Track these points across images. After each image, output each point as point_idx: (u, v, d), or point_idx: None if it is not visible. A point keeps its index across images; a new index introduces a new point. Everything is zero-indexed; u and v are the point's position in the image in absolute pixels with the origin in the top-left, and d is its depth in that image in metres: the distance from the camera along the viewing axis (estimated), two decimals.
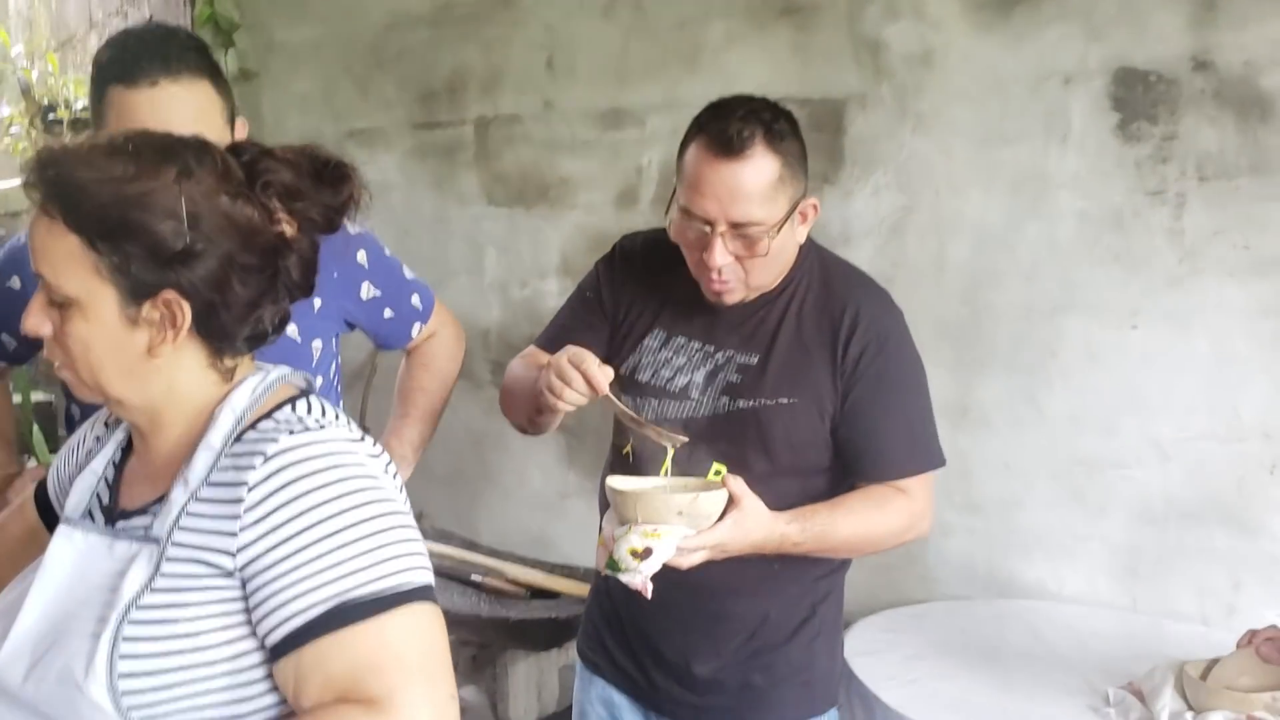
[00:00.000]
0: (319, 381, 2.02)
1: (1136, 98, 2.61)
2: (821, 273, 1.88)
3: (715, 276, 1.76)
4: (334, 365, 2.06)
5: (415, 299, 2.11)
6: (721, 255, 1.73)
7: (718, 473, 1.69)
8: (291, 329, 1.92)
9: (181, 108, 1.66)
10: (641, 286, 1.93)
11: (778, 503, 1.71)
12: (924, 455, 1.85)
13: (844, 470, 1.84)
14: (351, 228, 2.02)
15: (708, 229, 1.73)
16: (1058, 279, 2.74)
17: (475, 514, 3.69)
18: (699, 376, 1.85)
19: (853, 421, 1.81)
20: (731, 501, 1.64)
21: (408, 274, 2.11)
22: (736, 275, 1.77)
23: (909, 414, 1.84)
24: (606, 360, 1.95)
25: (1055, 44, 2.69)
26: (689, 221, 1.75)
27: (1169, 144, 2.59)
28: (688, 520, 1.60)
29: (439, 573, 2.85)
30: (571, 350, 1.71)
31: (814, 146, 3.06)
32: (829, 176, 2.97)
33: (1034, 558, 2.81)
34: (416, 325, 2.11)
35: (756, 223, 1.71)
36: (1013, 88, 2.74)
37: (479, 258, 3.60)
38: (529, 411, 1.89)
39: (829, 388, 1.80)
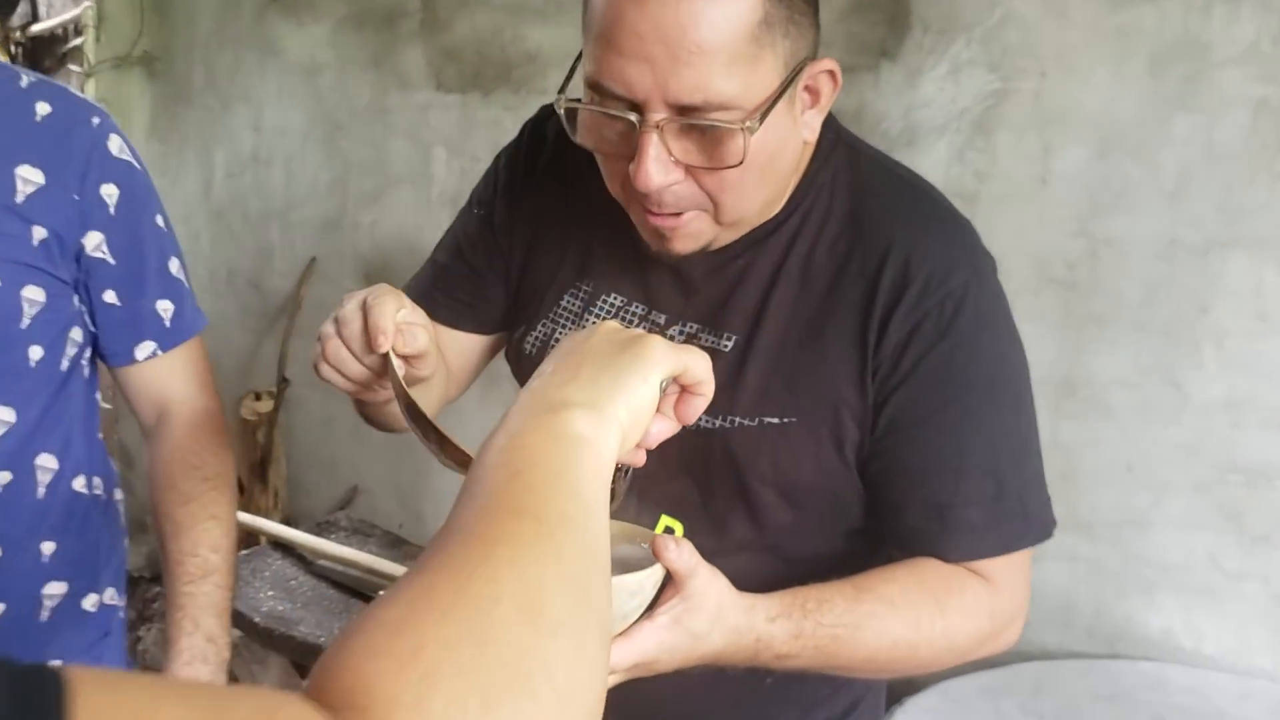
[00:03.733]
0: (35, 355, 1.30)
1: None
2: (853, 190, 1.13)
3: (654, 209, 1.02)
4: (71, 337, 1.33)
5: (163, 307, 1.37)
6: (660, 168, 0.98)
7: (668, 529, 1.05)
8: None
9: None
10: (563, 203, 1.22)
11: (765, 584, 1.00)
12: (1021, 520, 1.10)
13: (883, 535, 1.13)
14: (114, 146, 1.31)
15: (633, 118, 0.98)
16: (1216, 202, 1.95)
17: (420, 493, 2.96)
18: None
19: (894, 455, 1.09)
20: (672, 584, 0.93)
21: (175, 270, 1.39)
22: (694, 202, 1.03)
23: (997, 444, 1.09)
24: (506, 333, 1.32)
25: None
26: (603, 106, 1.00)
27: None
28: None
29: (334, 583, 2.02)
30: (377, 289, 1.05)
31: (866, 4, 2.33)
32: (887, 49, 2.18)
33: (1162, 600, 2.04)
34: (148, 345, 1.36)
35: (722, 104, 0.96)
36: None
37: (425, 160, 2.84)
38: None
39: (854, 395, 1.08)
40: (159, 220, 1.36)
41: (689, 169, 1.00)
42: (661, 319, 1.15)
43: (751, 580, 0.98)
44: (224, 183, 3.27)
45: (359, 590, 2.28)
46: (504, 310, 1.28)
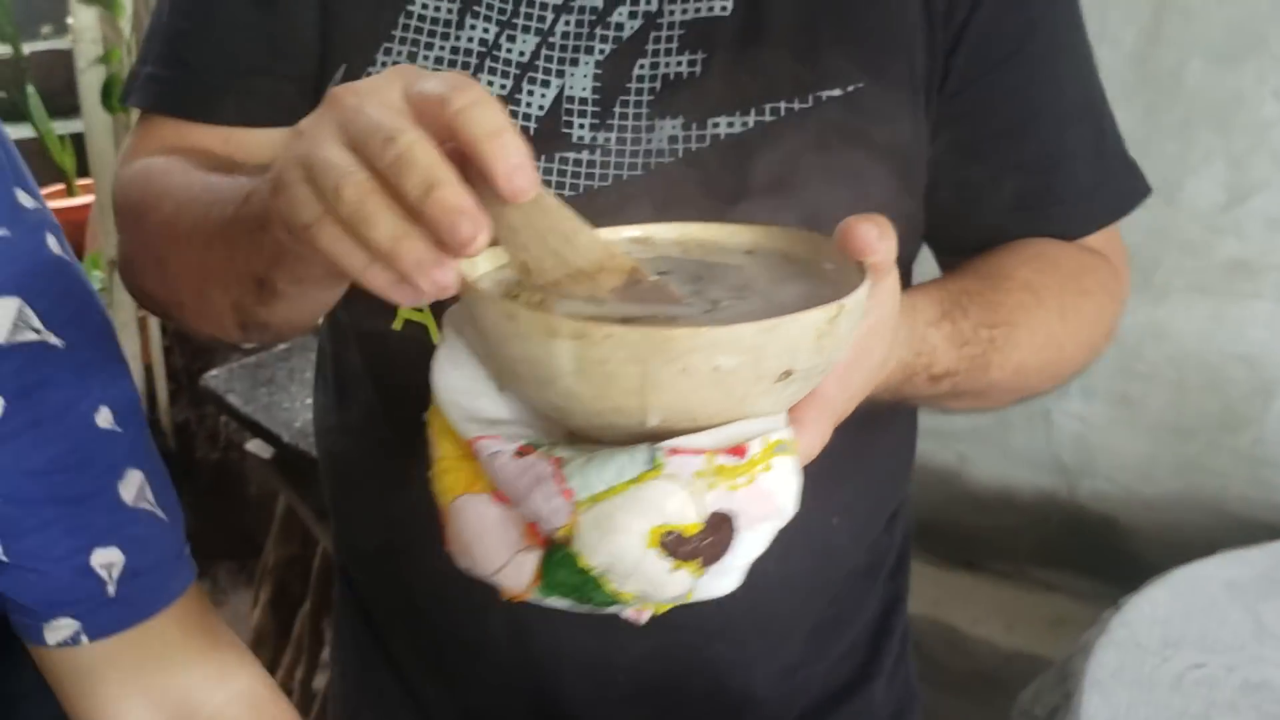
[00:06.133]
0: None
1: None
2: None
3: None
4: None
5: (102, 560, 0.78)
6: None
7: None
8: None
9: None
10: None
11: None
12: (1126, 174, 0.93)
13: (950, 234, 0.92)
14: None
15: None
16: None
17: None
18: (581, 70, 0.82)
19: (977, 113, 0.86)
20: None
21: (133, 486, 0.80)
22: None
23: (1088, 74, 0.91)
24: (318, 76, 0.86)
25: None
26: None
27: None
28: (812, 363, 0.54)
29: None
30: (404, 74, 0.52)
31: None
32: None
33: None
34: (66, 625, 0.78)
35: None
36: None
37: None
38: (243, 280, 0.68)
39: (923, 35, 0.83)
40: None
41: None
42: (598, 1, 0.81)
43: None
44: None
45: None
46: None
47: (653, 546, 0.51)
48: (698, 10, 0.80)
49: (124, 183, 0.83)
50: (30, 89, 3.18)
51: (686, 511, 0.50)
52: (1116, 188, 0.92)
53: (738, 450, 0.52)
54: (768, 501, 0.52)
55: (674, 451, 0.51)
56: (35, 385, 0.71)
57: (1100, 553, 1.72)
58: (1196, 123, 1.50)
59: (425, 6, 0.80)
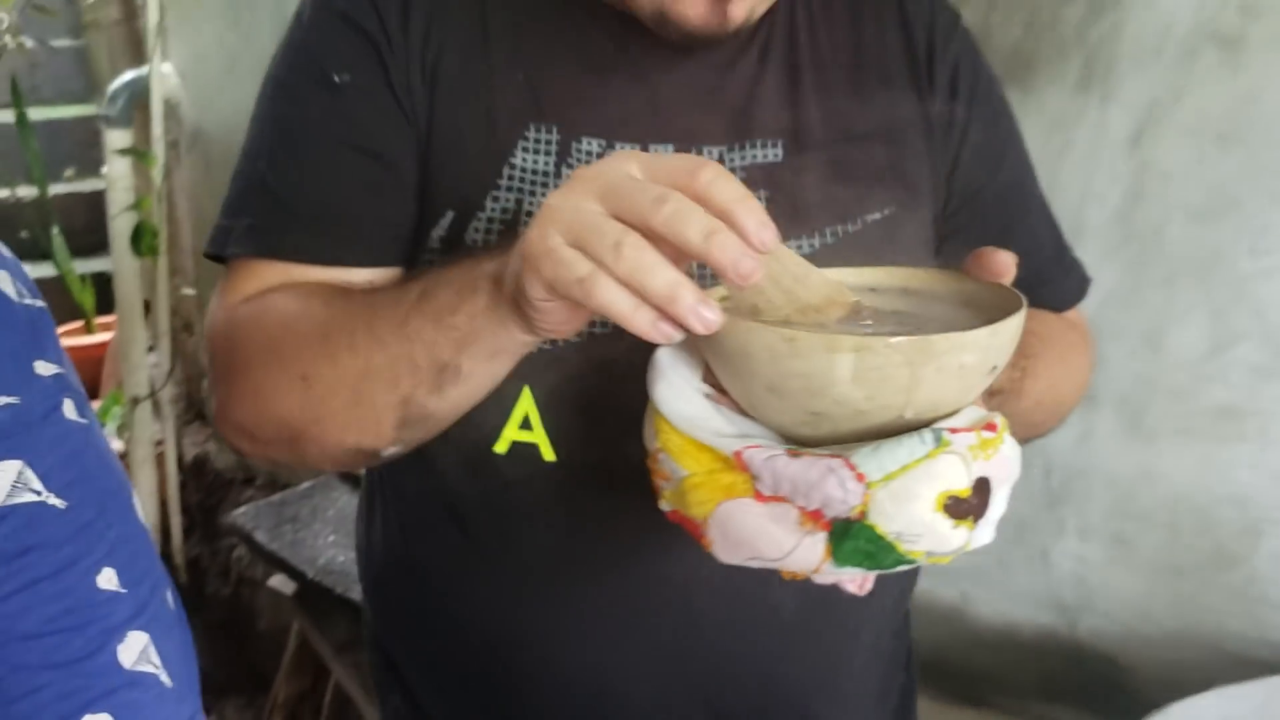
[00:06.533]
0: None
1: None
2: None
3: None
4: None
5: None
6: None
7: None
8: None
9: None
10: (473, 6, 0.95)
11: None
12: (1079, 266, 1.16)
13: None
14: None
15: None
16: None
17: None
18: None
19: (971, 227, 1.04)
20: None
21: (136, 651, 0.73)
22: None
23: (1042, 199, 1.13)
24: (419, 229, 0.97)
25: None
26: None
27: None
28: (1004, 359, 0.71)
29: None
30: (635, 156, 0.67)
31: None
32: None
33: None
34: None
35: None
36: None
37: None
38: (418, 371, 0.78)
39: (929, 162, 1.01)
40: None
41: None
42: (668, 152, 0.90)
43: None
44: None
45: None
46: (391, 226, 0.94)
47: (939, 510, 0.63)
48: (754, 157, 0.95)
49: (237, 322, 0.89)
50: (55, 231, 3.28)
51: (961, 479, 0.63)
52: (1078, 275, 1.13)
53: (990, 426, 0.65)
54: (1008, 465, 0.66)
55: (953, 431, 0.64)
56: (32, 546, 0.68)
57: (1101, 688, 1.77)
58: (1178, 277, 1.59)
59: (524, 159, 0.90)
